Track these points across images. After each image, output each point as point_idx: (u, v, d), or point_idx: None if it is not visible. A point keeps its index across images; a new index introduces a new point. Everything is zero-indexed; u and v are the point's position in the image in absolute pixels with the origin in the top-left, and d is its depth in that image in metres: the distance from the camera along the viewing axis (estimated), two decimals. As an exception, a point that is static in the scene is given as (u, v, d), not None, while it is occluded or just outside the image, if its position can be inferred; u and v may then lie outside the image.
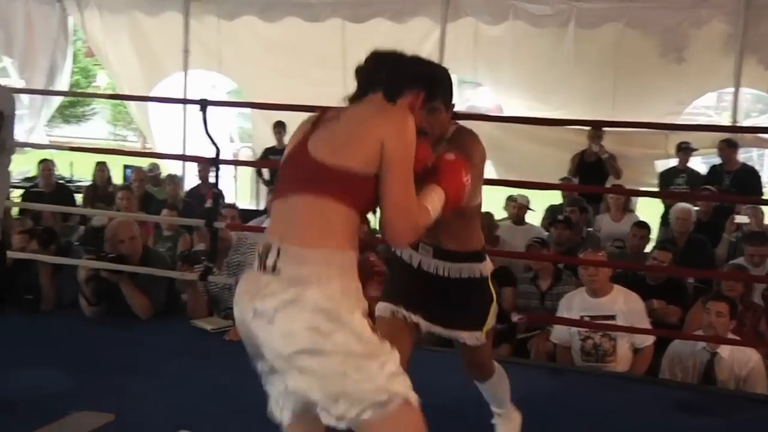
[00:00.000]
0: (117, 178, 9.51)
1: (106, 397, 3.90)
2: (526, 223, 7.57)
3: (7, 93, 3.97)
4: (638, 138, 8.91)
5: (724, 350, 4.58)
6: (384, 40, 9.21)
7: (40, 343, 4.78)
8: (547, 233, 7.00)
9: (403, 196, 2.19)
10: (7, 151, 3.95)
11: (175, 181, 8.77)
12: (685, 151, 8.27)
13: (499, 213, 7.68)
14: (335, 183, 2.16)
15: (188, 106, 9.60)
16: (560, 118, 8.41)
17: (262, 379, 2.30)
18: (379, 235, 2.63)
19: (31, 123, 11.03)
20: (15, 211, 7.36)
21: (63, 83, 11.08)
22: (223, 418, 3.67)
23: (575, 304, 5.02)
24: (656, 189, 8.58)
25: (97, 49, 11.22)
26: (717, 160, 8.45)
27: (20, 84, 10.80)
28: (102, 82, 26.48)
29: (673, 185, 8.23)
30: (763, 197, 8.81)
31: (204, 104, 5.12)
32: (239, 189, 10.68)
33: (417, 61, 2.52)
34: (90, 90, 25.64)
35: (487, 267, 3.05)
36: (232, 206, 6.90)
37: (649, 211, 8.40)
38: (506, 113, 9.92)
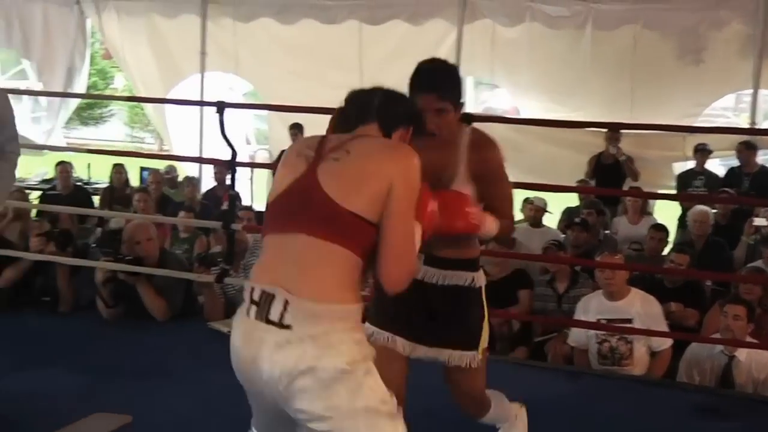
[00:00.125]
0: (134, 180, 9.55)
1: (123, 399, 3.92)
2: (543, 226, 7.54)
3: (3, 96, 3.90)
4: (656, 140, 8.88)
5: (742, 353, 4.55)
6: (400, 42, 9.27)
7: (58, 345, 4.80)
8: (563, 236, 6.97)
9: (405, 243, 2.12)
10: (8, 156, 3.82)
11: (193, 183, 8.79)
12: (702, 152, 8.23)
13: (516, 215, 7.64)
14: (349, 228, 2.06)
15: (205, 108, 9.63)
16: (577, 121, 8.39)
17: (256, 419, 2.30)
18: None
19: (49, 125, 11.09)
20: (33, 213, 7.40)
21: (81, 85, 11.13)
22: (240, 421, 3.67)
23: (592, 306, 5.01)
24: (674, 191, 8.54)
25: (115, 52, 11.27)
26: (736, 163, 8.40)
27: (39, 86, 10.86)
28: (119, 84, 26.60)
29: (691, 187, 8.19)
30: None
31: (221, 106, 5.13)
32: (256, 191, 10.70)
33: (404, 99, 2.43)
34: (107, 92, 25.74)
35: (480, 277, 2.92)
36: (249, 208, 6.92)
37: (667, 213, 8.37)
38: (523, 115, 9.90)
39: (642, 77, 8.86)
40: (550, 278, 5.80)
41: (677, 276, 5.62)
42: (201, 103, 9.92)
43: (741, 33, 8.45)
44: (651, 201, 8.34)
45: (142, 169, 10.02)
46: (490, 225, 2.74)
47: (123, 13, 10.39)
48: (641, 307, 4.88)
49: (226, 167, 5.47)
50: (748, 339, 4.61)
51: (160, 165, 9.72)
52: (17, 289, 5.56)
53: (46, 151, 11.41)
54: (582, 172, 8.47)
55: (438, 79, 2.72)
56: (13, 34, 10.46)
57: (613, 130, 8.29)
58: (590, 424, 3.99)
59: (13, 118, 3.95)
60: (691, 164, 8.56)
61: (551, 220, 7.87)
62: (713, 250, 6.72)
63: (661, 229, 6.74)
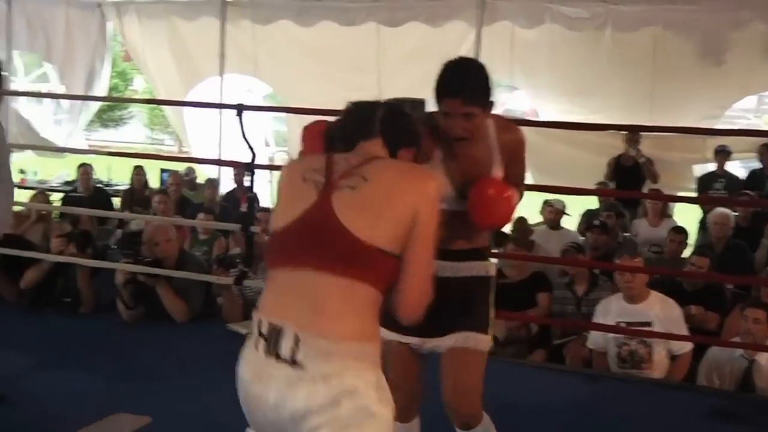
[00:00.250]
0: (154, 182, 9.59)
1: (143, 400, 3.94)
2: (562, 228, 7.52)
3: None
4: (676, 142, 8.83)
5: (762, 357, 4.53)
6: (419, 43, 9.26)
7: (79, 346, 4.84)
8: (582, 238, 6.95)
9: (427, 270, 2.01)
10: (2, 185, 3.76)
11: (214, 185, 8.82)
12: (722, 154, 8.19)
13: (535, 217, 7.65)
14: (371, 263, 1.94)
15: (224, 110, 9.66)
16: (597, 123, 8.36)
17: None
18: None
19: (70, 127, 11.16)
20: (55, 214, 7.45)
21: (101, 88, 11.19)
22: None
23: (612, 309, 4.99)
24: (694, 194, 8.50)
25: (135, 54, 11.33)
26: (757, 165, 8.35)
27: (60, 89, 10.93)
28: (139, 86, 26.73)
29: (711, 190, 8.15)
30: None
31: (240, 109, 5.15)
32: (274, 193, 10.73)
33: (406, 116, 2.29)
34: (127, 93, 25.86)
35: (491, 267, 2.90)
36: (268, 210, 6.93)
37: (687, 215, 8.33)
38: (542, 117, 9.88)
39: (662, 79, 8.81)
40: (569, 281, 5.78)
41: (697, 279, 5.58)
42: (220, 106, 9.95)
43: (763, 34, 8.37)
44: (671, 203, 8.30)
45: (162, 171, 10.06)
46: (517, 201, 2.79)
47: (143, 16, 10.45)
48: (661, 311, 4.86)
49: (245, 169, 5.48)
50: (769, 343, 4.58)
51: (180, 167, 9.76)
52: (39, 290, 5.61)
53: (67, 153, 11.49)
54: (601, 174, 8.45)
55: (464, 82, 2.62)
56: (36, 38, 10.53)
57: (633, 132, 8.26)
58: (609, 427, 3.98)
59: (5, 146, 3.87)
60: (711, 166, 8.52)
61: (570, 223, 7.85)
62: (734, 252, 6.68)
63: (681, 232, 6.72)
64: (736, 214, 7.19)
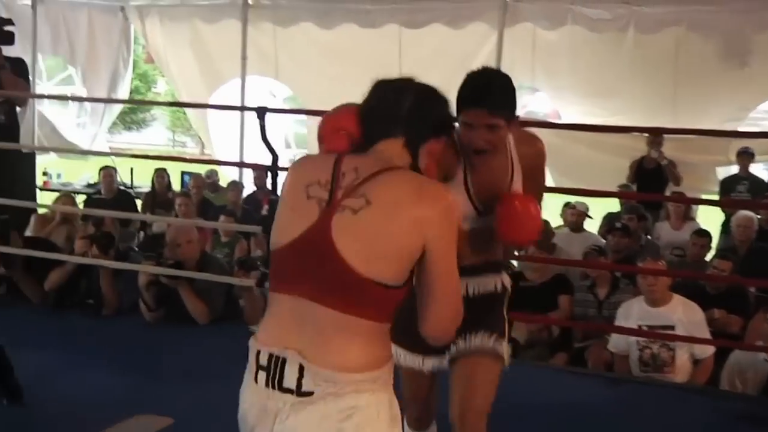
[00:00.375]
0: (176, 185, 9.64)
1: (164, 401, 3.96)
2: (584, 231, 7.50)
3: None
4: (699, 144, 8.76)
5: (786, 361, 4.50)
6: (440, 45, 9.26)
7: (101, 347, 4.87)
8: (604, 241, 6.93)
9: (450, 299, 1.88)
10: None
11: (238, 187, 8.85)
12: (745, 156, 8.13)
13: (556, 220, 7.63)
14: (370, 298, 1.80)
15: (246, 112, 9.70)
16: (619, 125, 8.32)
17: None
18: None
19: (93, 130, 11.23)
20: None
21: (124, 90, 11.26)
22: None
23: (633, 313, 4.96)
24: (717, 196, 8.45)
25: (158, 57, 11.38)
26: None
27: (83, 92, 11.01)
28: (161, 88, 26.89)
29: (734, 192, 8.09)
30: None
31: (262, 111, 5.16)
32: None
33: (438, 101, 2.05)
34: (150, 96, 26.03)
35: (506, 279, 2.79)
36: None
37: (710, 218, 8.28)
38: (564, 119, 9.84)
39: (685, 80, 8.75)
40: (590, 284, 5.76)
41: (720, 282, 5.55)
42: (242, 108, 9.98)
43: (788, 35, 8.32)
44: (694, 206, 8.26)
45: (184, 173, 10.12)
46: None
47: (166, 19, 10.49)
48: (683, 314, 4.83)
49: (267, 171, 5.50)
50: (793, 347, 4.55)
51: (202, 169, 9.81)
52: (63, 292, 5.66)
53: (90, 155, 11.57)
54: (623, 177, 8.41)
55: (490, 91, 2.49)
56: (60, 41, 10.62)
57: (655, 134, 8.22)
58: (630, 431, 3.96)
59: None
60: (734, 169, 8.46)
61: (592, 225, 7.83)
62: (757, 256, 6.63)
63: (703, 235, 6.68)
64: (760, 216, 7.13)
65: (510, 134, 2.61)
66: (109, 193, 8.86)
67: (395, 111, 1.96)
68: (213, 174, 9.83)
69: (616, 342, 5.02)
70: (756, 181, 8.22)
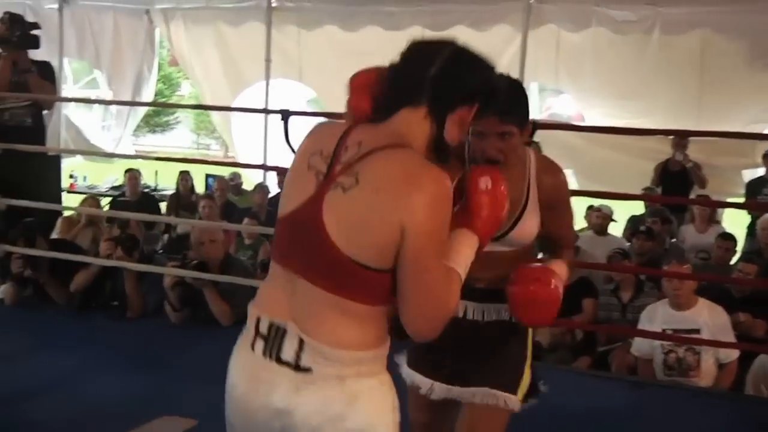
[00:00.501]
0: (199, 187, 9.68)
1: (188, 403, 3.98)
2: (608, 234, 7.47)
3: None
4: (725, 146, 8.69)
5: (812, 366, 4.46)
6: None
7: (126, 349, 4.90)
8: (628, 244, 6.90)
9: (433, 286, 1.74)
10: None
11: (264, 190, 8.87)
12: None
13: (580, 223, 7.60)
14: (355, 280, 1.72)
15: (270, 115, 9.73)
16: (643, 128, 8.27)
17: None
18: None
19: (118, 133, 11.31)
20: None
21: (148, 93, 11.33)
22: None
23: (658, 316, 4.94)
24: (743, 199, 8.38)
25: (182, 60, 11.44)
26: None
27: (108, 95, 11.09)
28: (186, 91, 27.02)
29: (760, 195, 8.02)
30: None
31: (285, 114, 5.17)
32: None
33: (474, 63, 1.87)
34: (174, 99, 26.15)
35: None
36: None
37: (736, 221, 8.22)
38: (588, 121, 9.81)
39: (710, 82, 8.69)
40: (614, 287, 5.74)
41: (745, 286, 5.51)
42: (266, 111, 10.02)
43: (814, 37, 8.24)
44: (719, 209, 8.20)
45: (207, 176, 10.16)
46: (564, 275, 2.47)
47: (190, 22, 10.54)
48: (709, 317, 4.80)
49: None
50: (820, 351, 4.51)
51: (225, 172, 9.85)
52: (88, 294, 5.70)
53: (115, 158, 11.64)
54: (648, 180, 8.37)
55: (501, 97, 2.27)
56: (85, 45, 10.70)
57: (680, 136, 8.17)
58: (655, 435, 3.94)
59: None
60: (760, 171, 8.39)
61: (616, 229, 7.79)
62: (783, 259, 6.58)
63: (729, 238, 6.63)
64: (786, 219, 7.07)
65: (533, 155, 2.48)
66: (134, 196, 8.91)
67: (420, 74, 1.79)
68: (236, 177, 9.87)
69: (639, 346, 5.00)
70: (782, 183, 8.16)
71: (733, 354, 4.78)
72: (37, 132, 6.72)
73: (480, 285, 2.44)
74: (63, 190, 8.48)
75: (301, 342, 1.74)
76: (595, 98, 9.51)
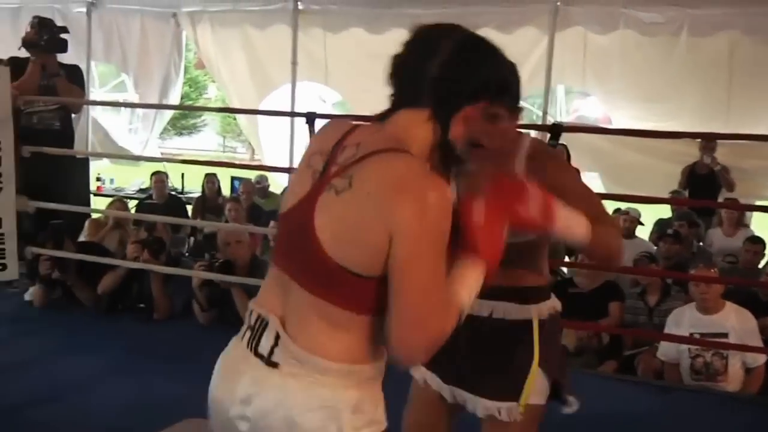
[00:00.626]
0: (226, 190, 9.72)
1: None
2: (636, 237, 7.43)
3: None
4: (753, 149, 8.62)
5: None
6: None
7: (152, 351, 4.92)
8: (655, 248, 6.86)
9: (420, 305, 1.58)
10: None
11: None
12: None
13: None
14: (344, 286, 1.64)
15: (296, 118, 9.75)
16: (671, 131, 8.22)
17: None
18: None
19: (144, 135, 11.38)
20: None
21: (175, 96, 11.39)
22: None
23: (685, 320, 4.91)
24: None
25: (209, 63, 11.49)
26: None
27: (135, 98, 11.16)
28: (212, 93, 27.15)
29: (790, 198, 7.96)
30: None
31: (311, 117, 5.19)
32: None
33: (480, 56, 1.75)
34: (200, 102, 26.29)
35: (539, 312, 2.37)
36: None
37: (764, 225, 8.15)
38: (615, 124, 9.76)
39: (739, 84, 8.61)
40: (641, 291, 5.70)
41: (774, 290, 5.47)
42: (292, 114, 10.05)
43: None
44: (748, 212, 8.13)
45: (234, 178, 10.20)
46: (571, 221, 2.06)
47: (217, 25, 10.58)
48: (736, 321, 4.77)
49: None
50: None
51: (252, 175, 9.88)
52: (115, 296, 5.74)
53: (142, 161, 11.71)
54: (675, 183, 8.31)
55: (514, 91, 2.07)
56: (112, 48, 10.77)
57: (708, 139, 8.11)
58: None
59: None
60: (790, 174, 8.32)
61: (643, 232, 7.75)
62: (813, 263, 6.53)
63: (757, 242, 6.59)
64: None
65: (527, 143, 2.30)
66: (161, 198, 8.96)
67: (422, 71, 1.68)
68: (263, 179, 9.89)
69: (666, 350, 4.96)
70: (812, 186, 8.09)
71: (761, 358, 4.75)
72: (65, 135, 6.79)
73: (486, 282, 2.30)
74: (90, 193, 8.54)
75: (277, 337, 1.68)
76: (622, 101, 9.46)
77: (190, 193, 10.32)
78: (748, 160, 8.65)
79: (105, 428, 3.81)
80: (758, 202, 8.62)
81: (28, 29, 6.45)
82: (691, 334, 4.80)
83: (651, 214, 8.13)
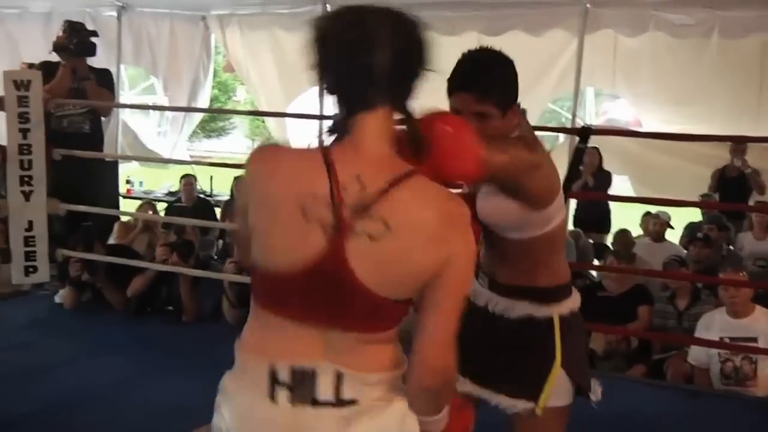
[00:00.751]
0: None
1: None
2: (666, 241, 7.39)
3: None
4: (785, 152, 8.55)
5: None
6: (519, 52, 9.09)
7: (180, 354, 4.95)
8: (685, 251, 6.81)
9: (449, 340, 1.65)
10: None
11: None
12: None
13: (636, 229, 7.53)
14: (386, 316, 1.66)
15: (324, 121, 9.76)
16: (701, 134, 8.16)
17: None
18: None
19: (173, 138, 11.43)
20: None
21: (204, 99, 11.44)
22: None
23: (715, 324, 4.87)
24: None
25: (238, 66, 11.52)
26: None
27: (164, 101, 11.22)
28: (241, 96, 27.24)
29: (822, 202, 7.87)
30: None
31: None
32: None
33: (421, 37, 1.74)
34: (229, 104, 26.38)
35: (556, 310, 2.34)
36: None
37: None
38: (645, 126, 9.70)
39: (771, 87, 8.56)
40: (670, 294, 5.66)
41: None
42: (320, 117, 10.05)
43: None
44: (779, 216, 8.04)
45: (261, 182, 10.20)
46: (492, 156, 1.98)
47: (246, 28, 10.62)
48: (767, 326, 4.72)
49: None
50: None
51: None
52: (144, 299, 5.78)
53: (171, 164, 11.77)
54: (705, 185, 8.25)
55: (478, 73, 2.18)
56: (142, 52, 10.83)
57: (739, 142, 8.04)
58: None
59: None
60: (822, 177, 8.22)
61: (673, 236, 7.70)
62: None
63: (789, 246, 6.52)
64: None
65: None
66: (189, 201, 8.99)
67: (371, 71, 1.61)
68: (290, 182, 9.90)
69: (696, 354, 4.93)
70: (844, 190, 7.99)
71: (790, 364, 4.70)
72: (94, 138, 6.84)
73: (502, 280, 2.34)
74: (120, 196, 8.59)
75: (339, 375, 1.63)
76: (652, 103, 9.39)
77: (219, 196, 10.35)
78: (779, 162, 8.57)
79: (133, 430, 3.83)
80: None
81: (60, 33, 6.51)
82: (722, 339, 4.76)
83: (681, 218, 8.07)
